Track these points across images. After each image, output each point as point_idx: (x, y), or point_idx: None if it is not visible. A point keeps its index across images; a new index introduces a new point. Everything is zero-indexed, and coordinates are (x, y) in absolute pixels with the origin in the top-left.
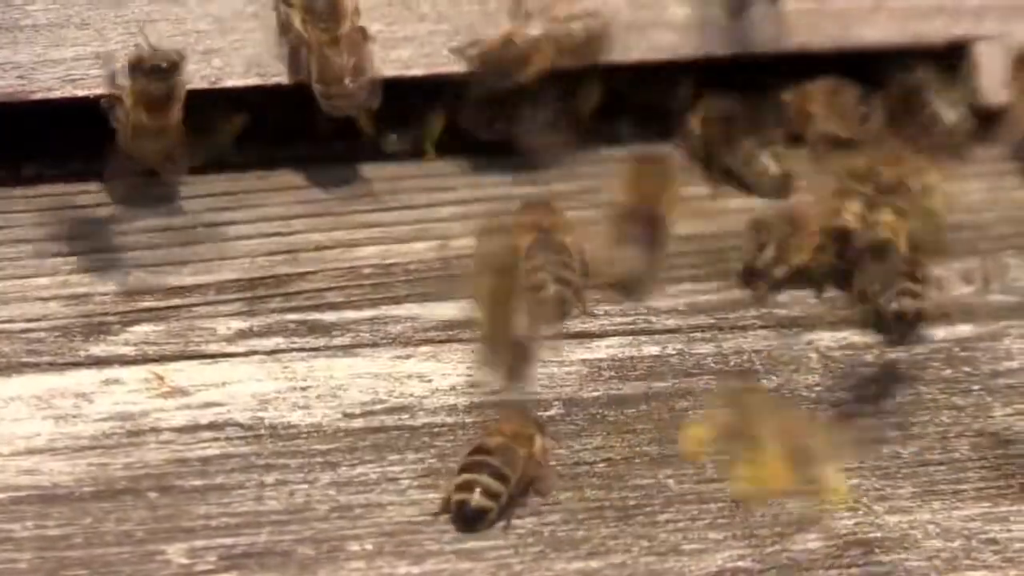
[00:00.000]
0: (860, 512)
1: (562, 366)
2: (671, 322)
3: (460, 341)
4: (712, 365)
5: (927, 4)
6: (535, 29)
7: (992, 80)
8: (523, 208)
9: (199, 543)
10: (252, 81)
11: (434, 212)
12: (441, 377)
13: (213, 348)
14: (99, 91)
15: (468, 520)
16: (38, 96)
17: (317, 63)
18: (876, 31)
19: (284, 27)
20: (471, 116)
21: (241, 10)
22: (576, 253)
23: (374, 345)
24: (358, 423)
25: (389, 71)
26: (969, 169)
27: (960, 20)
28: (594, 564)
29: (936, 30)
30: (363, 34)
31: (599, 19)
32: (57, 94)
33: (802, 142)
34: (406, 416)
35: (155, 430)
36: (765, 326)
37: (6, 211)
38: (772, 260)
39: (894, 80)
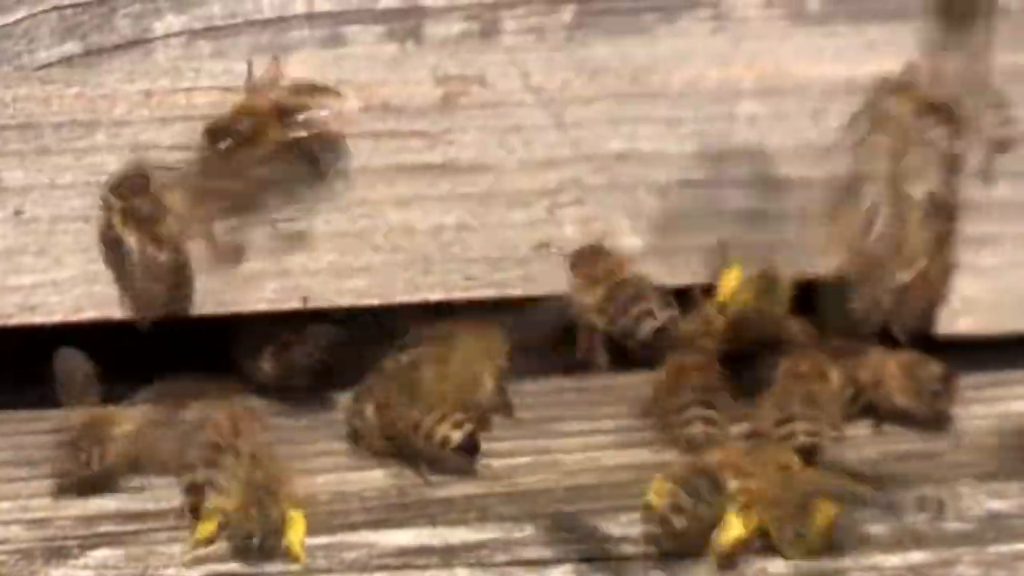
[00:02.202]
0: None
1: None
2: (625, 549)
3: (416, 568)
4: None
5: None
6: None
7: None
8: None
9: None
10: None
11: None
12: None
13: (171, 572)
14: (56, 318)
15: None
16: None
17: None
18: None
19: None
20: None
21: None
22: None
23: (329, 571)
24: None
25: (344, 301)
26: None
27: None
28: None
29: None
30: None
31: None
32: (15, 321)
33: None
34: None
35: None
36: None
37: None
38: None
39: None
